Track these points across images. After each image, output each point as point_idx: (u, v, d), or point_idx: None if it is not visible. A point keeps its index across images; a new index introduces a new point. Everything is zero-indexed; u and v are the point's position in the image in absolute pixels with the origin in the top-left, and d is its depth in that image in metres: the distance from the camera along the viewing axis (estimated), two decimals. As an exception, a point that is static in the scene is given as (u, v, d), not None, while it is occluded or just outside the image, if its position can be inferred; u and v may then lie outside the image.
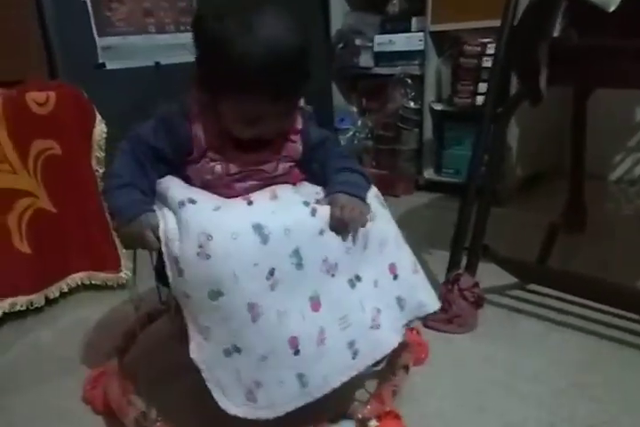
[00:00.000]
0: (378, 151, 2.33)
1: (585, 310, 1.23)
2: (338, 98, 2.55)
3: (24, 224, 1.28)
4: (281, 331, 0.71)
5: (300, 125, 0.85)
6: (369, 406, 0.83)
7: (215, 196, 0.79)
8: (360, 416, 0.81)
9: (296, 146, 0.85)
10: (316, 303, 0.75)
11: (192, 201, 0.74)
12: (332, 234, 0.76)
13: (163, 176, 0.80)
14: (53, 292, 1.35)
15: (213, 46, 0.72)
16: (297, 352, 0.72)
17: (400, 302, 0.84)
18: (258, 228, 0.71)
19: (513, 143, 1.97)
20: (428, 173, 2.27)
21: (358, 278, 0.80)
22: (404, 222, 0.90)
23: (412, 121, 2.23)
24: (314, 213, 0.76)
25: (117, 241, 1.44)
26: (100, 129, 1.38)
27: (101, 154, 1.40)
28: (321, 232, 0.75)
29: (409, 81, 2.20)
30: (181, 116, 0.79)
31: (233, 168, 0.80)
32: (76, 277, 1.40)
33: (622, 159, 2.28)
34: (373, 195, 0.85)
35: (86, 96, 1.37)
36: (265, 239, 0.71)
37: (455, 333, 1.18)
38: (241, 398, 0.71)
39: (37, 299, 1.30)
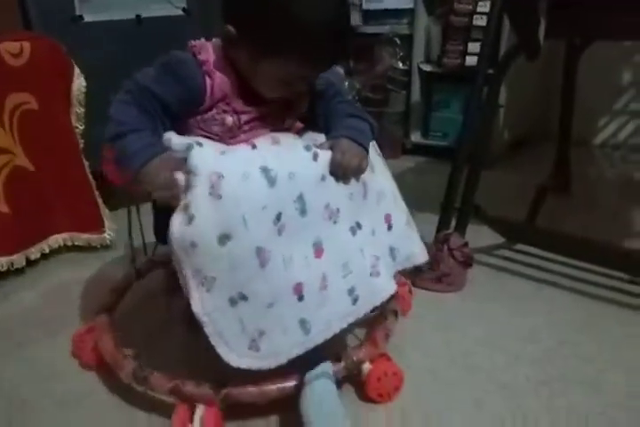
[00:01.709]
0: (365, 114, 2.30)
1: (572, 270, 1.24)
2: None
3: (1, 183, 1.23)
4: (287, 277, 0.71)
5: None
6: (363, 349, 0.85)
7: (218, 143, 0.76)
8: (355, 359, 0.82)
9: (304, 101, 0.83)
10: (319, 250, 0.75)
11: (199, 144, 0.71)
12: (333, 180, 0.76)
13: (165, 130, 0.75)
14: (34, 253, 1.31)
15: (277, 3, 0.70)
16: (301, 298, 0.72)
17: (392, 251, 0.86)
18: (265, 170, 0.69)
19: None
20: (415, 137, 2.25)
21: (359, 226, 0.80)
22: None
23: (400, 83, 2.18)
24: (315, 157, 0.75)
25: (100, 201, 1.41)
26: (79, 83, 1.32)
27: (81, 110, 1.34)
28: (323, 178, 0.75)
29: (398, 41, 2.14)
30: (194, 65, 0.74)
31: (243, 119, 0.78)
32: (58, 238, 1.36)
33: (607, 123, 2.28)
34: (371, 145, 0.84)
35: (64, 49, 1.30)
36: (272, 182, 0.69)
37: (444, 291, 1.18)
38: (244, 348, 0.71)
39: (18, 260, 1.26)
